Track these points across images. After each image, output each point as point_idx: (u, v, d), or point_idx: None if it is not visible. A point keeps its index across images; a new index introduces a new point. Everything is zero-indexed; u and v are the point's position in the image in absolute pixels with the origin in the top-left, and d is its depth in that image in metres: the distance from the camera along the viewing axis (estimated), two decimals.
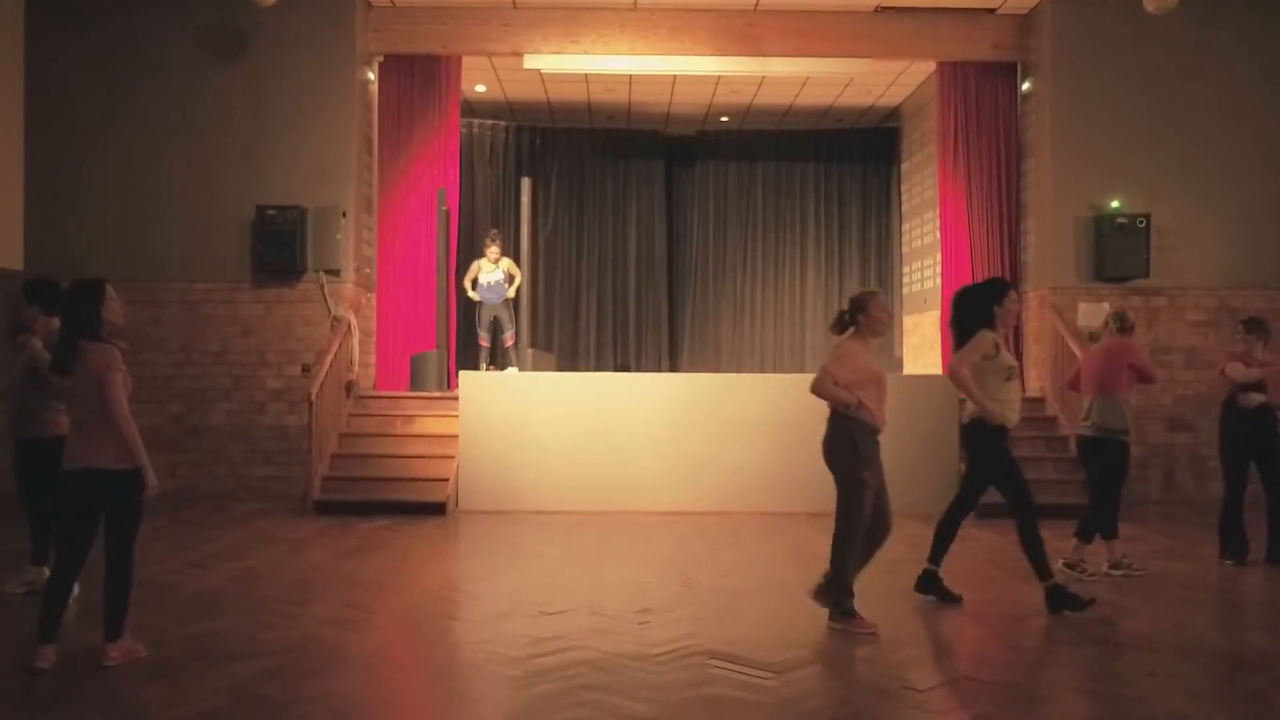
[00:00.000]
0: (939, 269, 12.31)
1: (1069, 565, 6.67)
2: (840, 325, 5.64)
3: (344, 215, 10.50)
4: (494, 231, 12.54)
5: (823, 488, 9.54)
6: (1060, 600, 5.68)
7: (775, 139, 15.79)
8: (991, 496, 6.15)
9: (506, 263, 12.06)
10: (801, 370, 15.33)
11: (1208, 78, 10.81)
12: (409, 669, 4.96)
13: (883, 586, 5.95)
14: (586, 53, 11.25)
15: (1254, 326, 7.16)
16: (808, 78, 12.72)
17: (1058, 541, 6.56)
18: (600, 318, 15.62)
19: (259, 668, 4.63)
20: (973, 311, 5.90)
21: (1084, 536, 6.82)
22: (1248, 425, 7.05)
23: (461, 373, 9.93)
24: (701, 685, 4.42)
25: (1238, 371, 7.07)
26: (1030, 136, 11.33)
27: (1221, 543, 7.27)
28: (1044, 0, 10.85)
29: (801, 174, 15.84)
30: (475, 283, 12.13)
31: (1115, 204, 10.64)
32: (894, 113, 15.35)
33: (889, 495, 5.66)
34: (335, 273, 10.54)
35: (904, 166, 15.38)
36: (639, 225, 15.74)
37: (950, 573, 6.14)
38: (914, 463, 9.52)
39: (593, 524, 9.00)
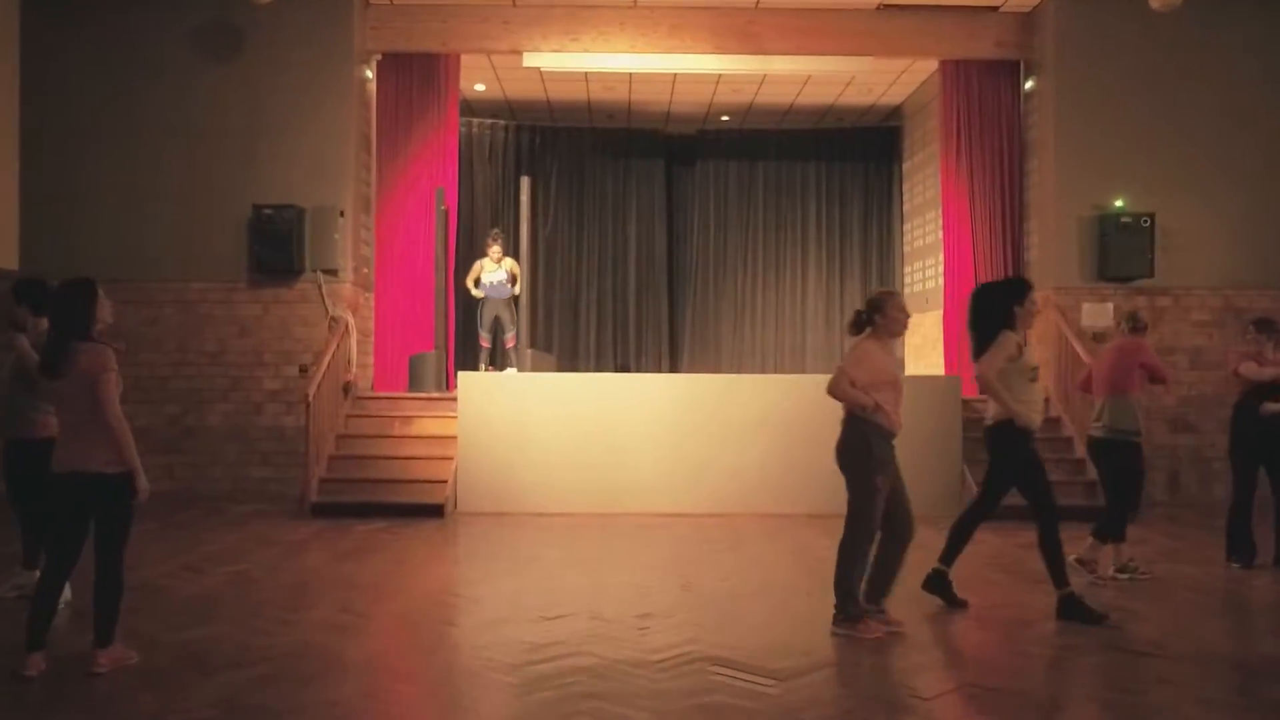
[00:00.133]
0: (941, 269, 12.23)
1: (1081, 561, 6.56)
2: (857, 326, 5.50)
3: (341, 215, 10.42)
4: (495, 231, 12.43)
5: (824, 489, 9.49)
6: (1072, 610, 5.57)
7: (776, 138, 15.70)
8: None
9: (509, 262, 11.98)
10: (802, 371, 15.27)
11: (1212, 76, 10.73)
12: (405, 676, 4.87)
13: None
14: (586, 51, 11.16)
15: (1265, 326, 7.07)
16: (809, 76, 12.63)
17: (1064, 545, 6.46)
18: (600, 318, 15.53)
19: (252, 675, 4.54)
20: (993, 312, 5.73)
21: (1101, 536, 6.71)
22: (1259, 428, 6.97)
23: (460, 373, 9.85)
24: (702, 693, 4.33)
25: (1252, 371, 6.98)
26: (1033, 135, 11.25)
27: (1229, 545, 7.19)
28: None
29: (802, 173, 15.75)
30: (478, 282, 12.06)
31: (1119, 203, 10.55)
32: (895, 112, 15.26)
33: (909, 495, 5.55)
34: (333, 273, 10.45)
35: (905, 166, 15.29)
36: (639, 225, 15.65)
37: (954, 577, 6.04)
38: (918, 464, 9.35)
39: (592, 526, 8.92)
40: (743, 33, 11.15)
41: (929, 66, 12.68)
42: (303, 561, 7.29)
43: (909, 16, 11.09)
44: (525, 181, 10.71)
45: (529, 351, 10.72)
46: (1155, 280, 10.62)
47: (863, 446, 5.31)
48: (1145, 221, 10.44)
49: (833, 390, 5.35)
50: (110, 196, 10.50)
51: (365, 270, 10.94)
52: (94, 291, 4.70)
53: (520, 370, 10.85)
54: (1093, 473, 9.49)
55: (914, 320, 14.71)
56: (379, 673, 4.78)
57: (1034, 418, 5.69)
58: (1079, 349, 9.93)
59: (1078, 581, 5.94)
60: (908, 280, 15.12)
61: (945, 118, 11.58)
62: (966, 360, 11.21)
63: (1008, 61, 11.39)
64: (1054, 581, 5.66)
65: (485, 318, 12.06)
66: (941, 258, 12.60)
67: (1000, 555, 7.48)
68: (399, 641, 5.48)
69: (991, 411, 5.83)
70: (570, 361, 15.06)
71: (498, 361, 12.32)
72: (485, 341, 11.98)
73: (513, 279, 11.99)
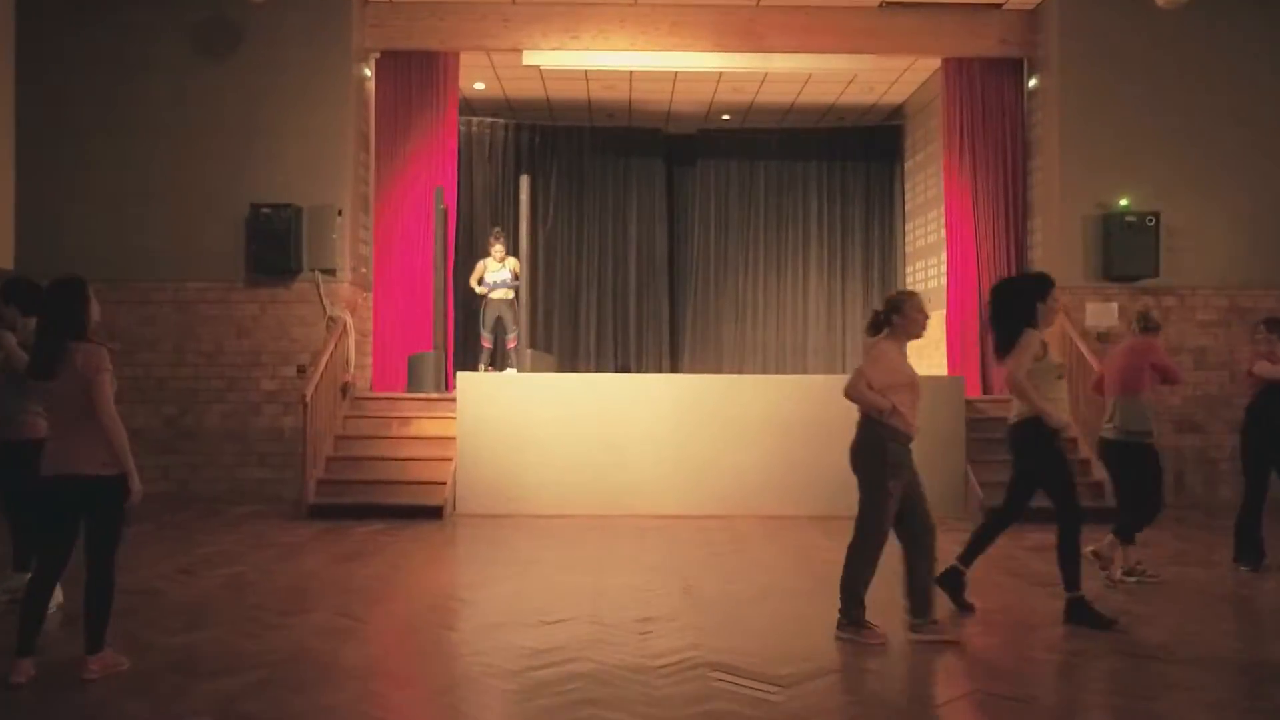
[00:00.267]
0: (944, 268, 12.14)
1: (1096, 554, 6.44)
2: (875, 327, 5.37)
3: (340, 214, 10.34)
4: (497, 230, 12.33)
5: (827, 491, 9.45)
6: (1081, 614, 5.47)
7: (777, 137, 15.61)
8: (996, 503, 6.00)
9: (512, 261, 11.90)
10: (803, 371, 15.19)
11: (1218, 73, 10.65)
12: (403, 682, 4.78)
13: (889, 595, 5.76)
14: (587, 49, 11.09)
15: (1276, 326, 6.99)
16: (810, 74, 12.54)
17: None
18: (600, 318, 15.44)
19: (246, 681, 4.45)
20: (1016, 308, 5.58)
21: (1120, 536, 6.61)
22: (1272, 429, 6.88)
23: (459, 374, 9.77)
24: (704, 700, 4.25)
25: (1266, 370, 6.89)
26: (1037, 134, 11.16)
27: (1237, 547, 7.10)
28: None
29: (804, 173, 15.66)
30: (481, 281, 12.01)
31: (1124, 202, 10.47)
32: (897, 111, 15.18)
33: (927, 498, 5.45)
34: (331, 272, 10.37)
35: (907, 165, 15.21)
36: (639, 224, 15.57)
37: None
38: (921, 466, 9.31)
39: (593, 528, 8.83)
40: (744, 30, 11.07)
41: (931, 65, 12.59)
42: (299, 564, 7.21)
43: (911, 14, 11.01)
44: (524, 180, 10.64)
45: (529, 352, 10.64)
46: (1160, 280, 10.54)
47: (878, 449, 5.20)
48: (1150, 220, 10.36)
49: (849, 392, 5.23)
50: (107, 195, 10.43)
51: (363, 270, 10.86)
52: (86, 290, 4.61)
53: (520, 370, 10.77)
54: (1098, 473, 9.41)
55: None
56: (376, 678, 4.70)
57: (1064, 416, 5.57)
58: (1084, 349, 9.85)
59: (1089, 584, 5.84)
60: (910, 280, 15.01)
61: (948, 116, 11.49)
62: (970, 360, 11.22)
63: (1011, 59, 11.31)
64: (1065, 584, 5.55)
65: (488, 318, 11.98)
66: (944, 257, 12.53)
67: (1007, 559, 7.39)
68: (396, 646, 5.39)
69: (1015, 410, 5.70)
70: (570, 362, 14.98)
71: (498, 362, 12.24)
72: (487, 342, 11.90)
73: (517, 277, 11.94)
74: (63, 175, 10.43)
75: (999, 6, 11.00)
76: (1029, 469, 5.74)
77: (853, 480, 5.35)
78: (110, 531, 4.53)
